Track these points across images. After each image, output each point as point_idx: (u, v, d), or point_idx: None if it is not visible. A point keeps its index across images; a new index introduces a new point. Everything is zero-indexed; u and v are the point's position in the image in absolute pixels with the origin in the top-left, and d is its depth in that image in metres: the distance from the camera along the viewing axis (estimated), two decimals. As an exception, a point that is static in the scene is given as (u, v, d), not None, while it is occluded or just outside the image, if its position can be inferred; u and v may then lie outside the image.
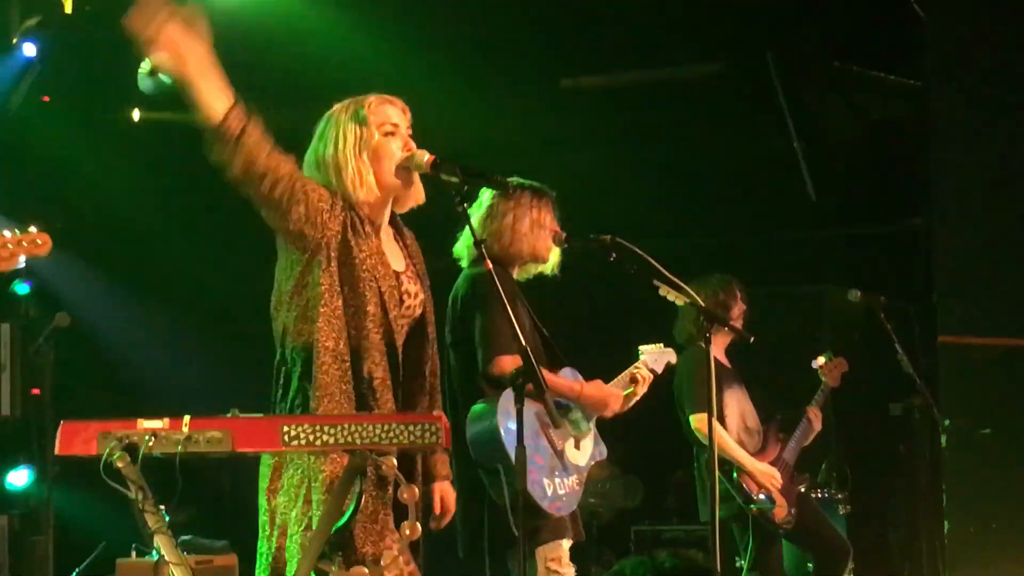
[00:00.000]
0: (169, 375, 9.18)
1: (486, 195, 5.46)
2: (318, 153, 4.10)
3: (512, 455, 4.58)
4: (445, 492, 4.27)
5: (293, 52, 8.66)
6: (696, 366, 6.69)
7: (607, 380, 5.57)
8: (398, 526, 3.77)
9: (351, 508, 3.55)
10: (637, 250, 5.26)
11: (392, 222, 4.21)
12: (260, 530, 3.93)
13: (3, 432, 8.53)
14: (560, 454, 5.24)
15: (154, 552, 3.46)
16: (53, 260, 8.83)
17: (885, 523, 8.78)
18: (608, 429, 5.81)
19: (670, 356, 5.83)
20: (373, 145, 4.07)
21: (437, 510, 4.24)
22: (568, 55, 9.00)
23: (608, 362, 5.79)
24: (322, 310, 3.88)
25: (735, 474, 6.77)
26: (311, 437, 3.35)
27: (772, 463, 6.90)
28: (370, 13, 8.41)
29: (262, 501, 3.91)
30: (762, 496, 6.78)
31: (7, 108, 8.87)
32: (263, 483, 3.91)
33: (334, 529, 3.55)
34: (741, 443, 6.89)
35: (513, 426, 4.83)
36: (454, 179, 4.02)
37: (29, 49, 8.73)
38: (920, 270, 8.67)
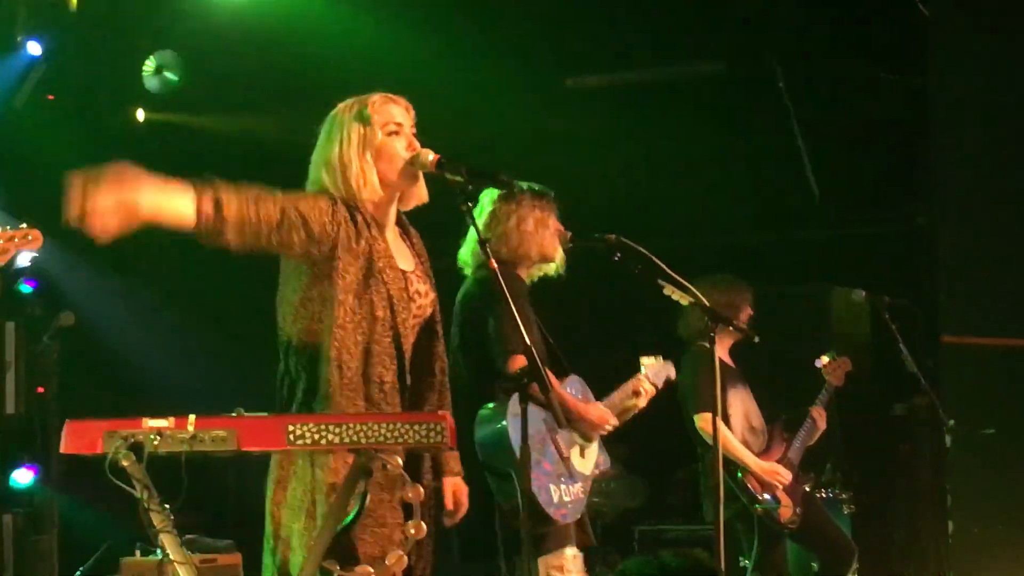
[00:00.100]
0: (174, 374, 9.17)
1: (487, 199, 5.47)
2: (323, 153, 4.10)
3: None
4: (457, 487, 4.26)
5: (293, 52, 8.67)
6: (700, 366, 6.69)
7: (608, 385, 5.60)
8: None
9: (356, 508, 3.55)
10: (641, 249, 5.26)
11: (398, 221, 4.20)
12: (265, 542, 3.93)
13: (7, 431, 8.52)
14: (566, 461, 5.25)
15: (158, 551, 3.46)
16: (58, 259, 8.90)
17: (889, 523, 8.76)
18: (612, 429, 5.81)
19: (670, 371, 5.85)
20: (377, 144, 4.06)
21: (449, 505, 4.23)
22: (572, 54, 9.00)
23: (609, 363, 5.80)
24: (328, 321, 3.88)
25: (740, 474, 6.76)
26: (316, 436, 3.35)
27: (777, 463, 6.90)
28: (372, 11, 8.42)
29: (267, 514, 3.92)
30: (767, 496, 6.78)
31: (12, 106, 8.87)
32: (268, 496, 3.92)
33: (339, 529, 3.55)
34: (746, 443, 6.88)
35: (529, 428, 4.85)
36: (459, 178, 4.01)
37: (34, 48, 8.74)
38: (924, 270, 8.66)
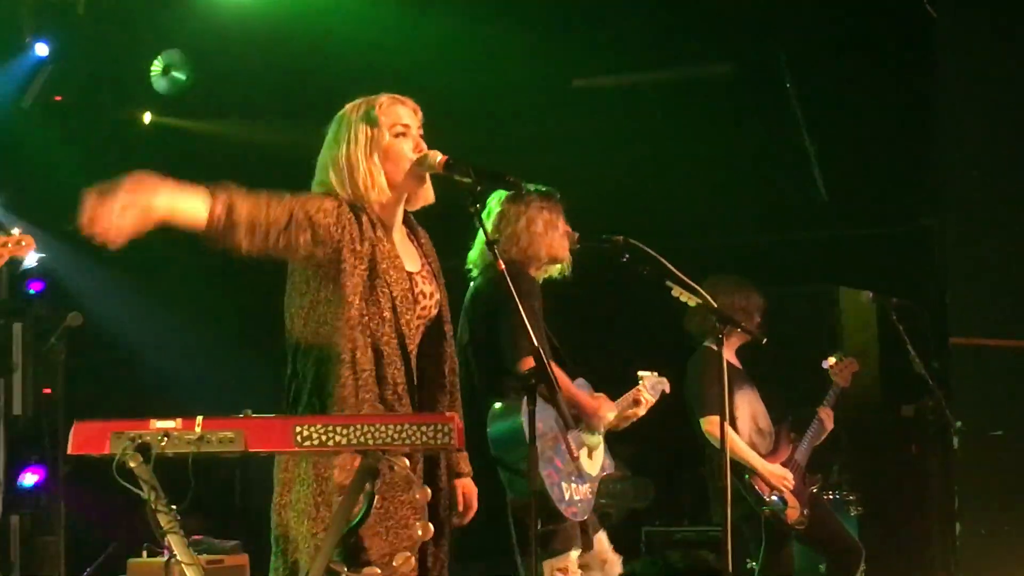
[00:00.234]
0: (181, 375, 9.18)
1: (494, 200, 5.49)
2: (330, 154, 4.09)
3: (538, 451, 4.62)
4: (467, 488, 4.26)
5: (300, 52, 8.67)
6: (707, 368, 6.68)
7: (610, 388, 5.63)
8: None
9: (364, 509, 3.55)
10: (649, 250, 5.27)
11: (406, 221, 4.20)
12: (272, 544, 3.93)
13: (15, 431, 8.53)
14: (576, 461, 5.27)
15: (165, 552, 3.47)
16: (65, 260, 8.91)
17: (896, 524, 8.75)
18: (618, 430, 5.83)
19: (664, 385, 5.91)
20: (384, 146, 4.05)
21: (460, 507, 4.23)
22: (580, 55, 9.00)
23: (610, 367, 5.82)
24: (338, 324, 3.87)
25: (747, 476, 6.76)
26: (323, 438, 3.35)
27: (784, 464, 6.89)
28: (378, 11, 8.43)
29: (273, 516, 3.92)
30: (774, 498, 6.77)
31: (19, 107, 8.89)
32: (274, 497, 3.92)
33: (346, 530, 3.54)
34: (753, 445, 6.88)
35: (542, 425, 4.87)
36: (467, 180, 4.01)
37: (41, 49, 8.75)
38: (931, 271, 8.65)
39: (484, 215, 5.40)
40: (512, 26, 8.60)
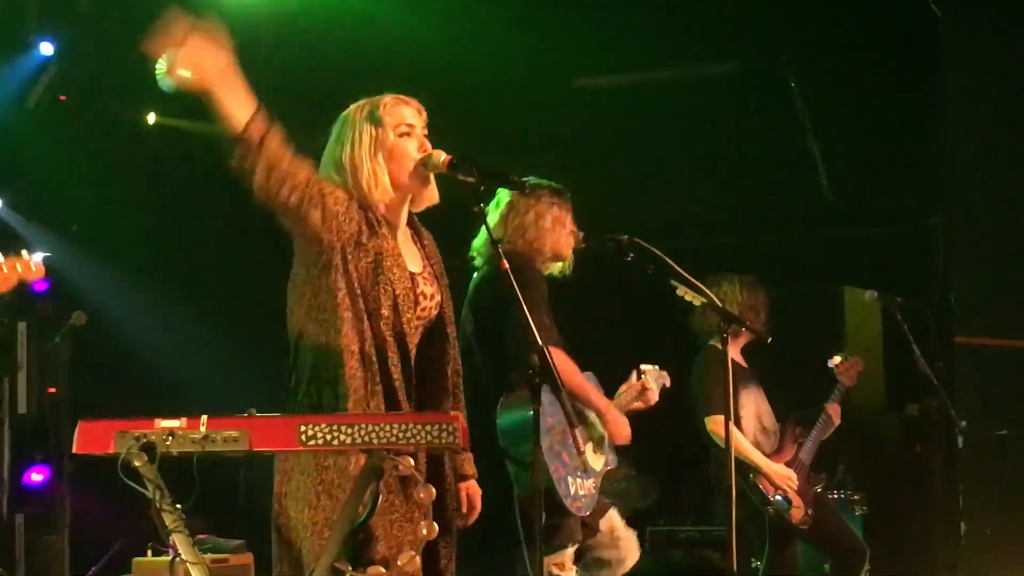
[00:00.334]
0: (186, 374, 9.18)
1: (504, 192, 5.49)
2: (334, 154, 4.10)
3: (544, 445, 4.63)
4: (471, 489, 4.27)
5: (303, 50, 8.67)
6: (712, 366, 6.68)
7: (612, 388, 5.64)
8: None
9: (368, 508, 3.55)
10: (655, 250, 5.27)
11: (410, 222, 4.20)
12: (273, 533, 3.93)
13: (20, 430, 8.54)
14: (582, 455, 5.28)
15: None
16: (69, 259, 8.93)
17: (901, 524, 8.74)
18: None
19: (665, 379, 5.93)
20: (388, 146, 4.06)
21: (464, 508, 4.23)
22: (584, 54, 9.00)
23: (613, 362, 5.82)
24: (344, 314, 3.87)
25: (751, 475, 6.75)
26: (328, 437, 3.35)
27: (788, 464, 6.89)
28: (382, 10, 8.43)
29: (273, 505, 3.92)
30: (778, 497, 6.77)
31: (24, 107, 8.89)
32: (274, 487, 3.92)
33: (351, 529, 3.55)
34: (757, 444, 6.87)
35: (550, 420, 4.88)
36: (471, 179, 4.02)
37: (46, 48, 8.76)
38: (936, 271, 8.65)
39: (493, 204, 5.44)
40: (515, 26, 8.60)
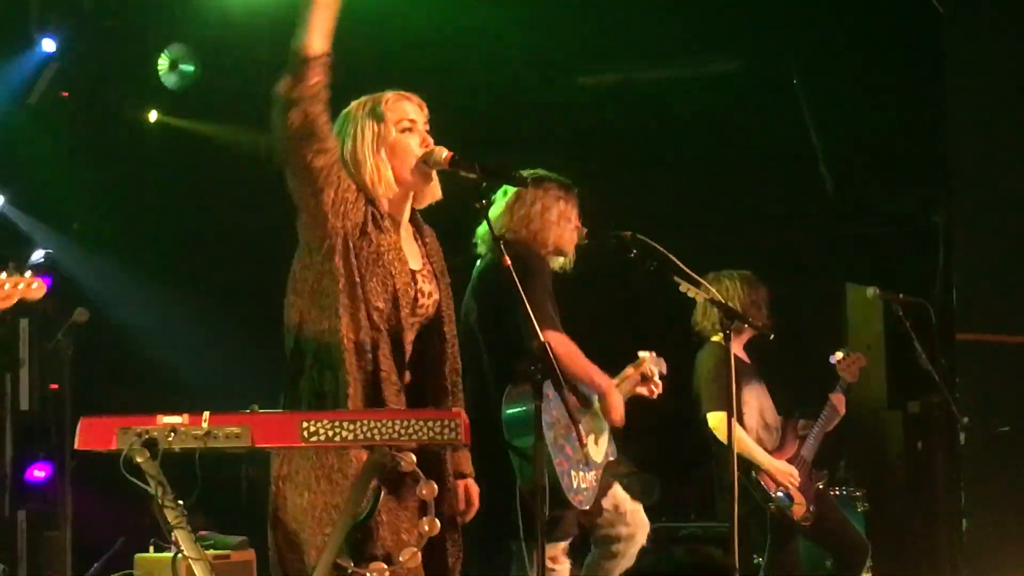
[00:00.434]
0: (188, 370, 9.19)
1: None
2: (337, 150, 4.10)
3: (549, 438, 4.63)
4: (469, 487, 4.27)
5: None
6: (715, 363, 6.69)
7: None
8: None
9: (370, 504, 3.55)
10: (657, 246, 5.28)
11: (412, 219, 4.20)
12: (270, 515, 3.90)
13: (22, 427, 8.54)
14: (585, 448, 5.29)
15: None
16: (71, 256, 8.93)
17: (903, 521, 8.75)
18: (625, 426, 5.84)
19: (662, 366, 5.91)
20: (391, 142, 4.06)
21: (462, 505, 4.23)
22: (587, 52, 9.00)
23: (614, 358, 5.82)
24: (343, 301, 3.87)
25: (753, 472, 6.75)
26: (330, 433, 3.36)
27: (790, 460, 6.89)
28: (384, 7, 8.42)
29: (271, 488, 3.90)
30: (780, 494, 6.77)
31: (26, 103, 8.90)
32: (272, 469, 3.91)
33: (353, 525, 3.55)
34: (760, 440, 6.87)
35: (555, 413, 4.88)
36: (473, 175, 4.02)
37: (48, 44, 8.76)
38: (938, 267, 8.64)
39: (500, 193, 5.44)
40: (517, 24, 8.60)
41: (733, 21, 8.68)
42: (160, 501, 3.39)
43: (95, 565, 8.24)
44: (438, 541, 3.91)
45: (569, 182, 5.62)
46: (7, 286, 5.03)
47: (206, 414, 3.39)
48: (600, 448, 5.53)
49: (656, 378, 5.80)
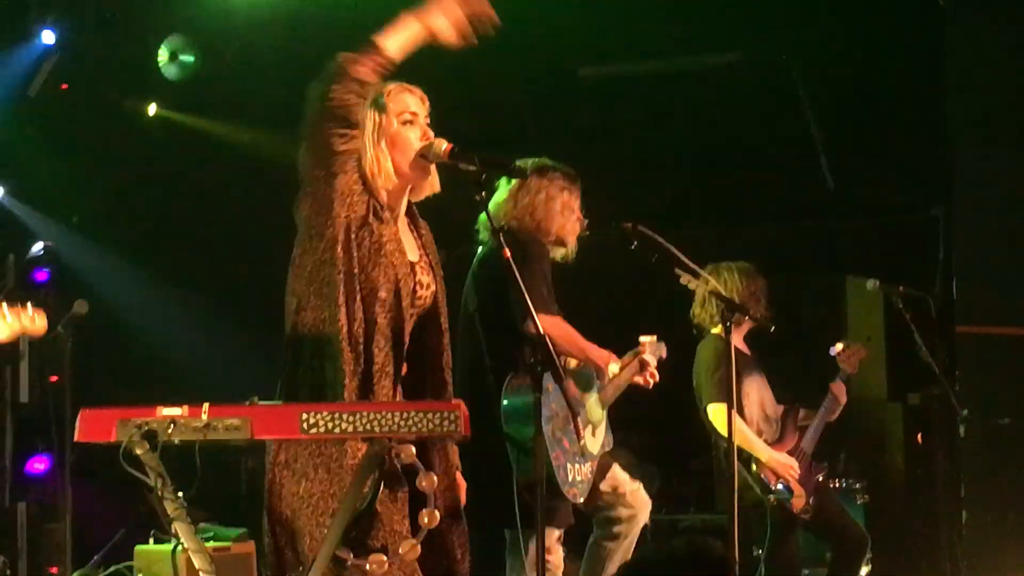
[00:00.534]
0: (188, 362, 9.19)
1: None
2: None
3: (547, 432, 4.63)
4: (457, 480, 4.27)
5: (307, 42, 8.65)
6: (715, 355, 6.69)
7: None
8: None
9: (370, 496, 3.55)
10: (659, 238, 5.28)
11: (408, 212, 4.20)
12: (266, 497, 3.89)
13: (21, 420, 8.54)
14: (581, 441, 5.30)
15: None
16: (71, 248, 8.92)
17: (902, 513, 8.75)
18: (624, 417, 5.86)
19: (662, 350, 5.92)
20: (391, 133, 4.07)
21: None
22: (588, 44, 8.99)
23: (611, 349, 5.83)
24: (342, 291, 3.87)
25: (753, 464, 6.75)
26: (330, 425, 3.36)
27: (790, 452, 6.89)
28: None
29: (267, 474, 3.89)
30: (780, 486, 6.77)
31: (26, 96, 8.88)
32: (269, 455, 3.90)
33: (353, 517, 3.55)
34: (760, 432, 6.88)
35: (554, 406, 4.88)
36: (472, 168, 4.02)
37: (48, 37, 8.74)
38: (938, 260, 8.63)
39: (503, 179, 5.44)
40: (519, 16, 8.57)
41: (734, 13, 8.66)
42: (160, 493, 3.39)
43: (95, 557, 8.24)
44: (443, 537, 3.92)
45: (574, 172, 5.62)
46: (8, 318, 5.02)
47: (205, 406, 3.39)
48: (597, 439, 5.54)
49: (653, 367, 5.79)
